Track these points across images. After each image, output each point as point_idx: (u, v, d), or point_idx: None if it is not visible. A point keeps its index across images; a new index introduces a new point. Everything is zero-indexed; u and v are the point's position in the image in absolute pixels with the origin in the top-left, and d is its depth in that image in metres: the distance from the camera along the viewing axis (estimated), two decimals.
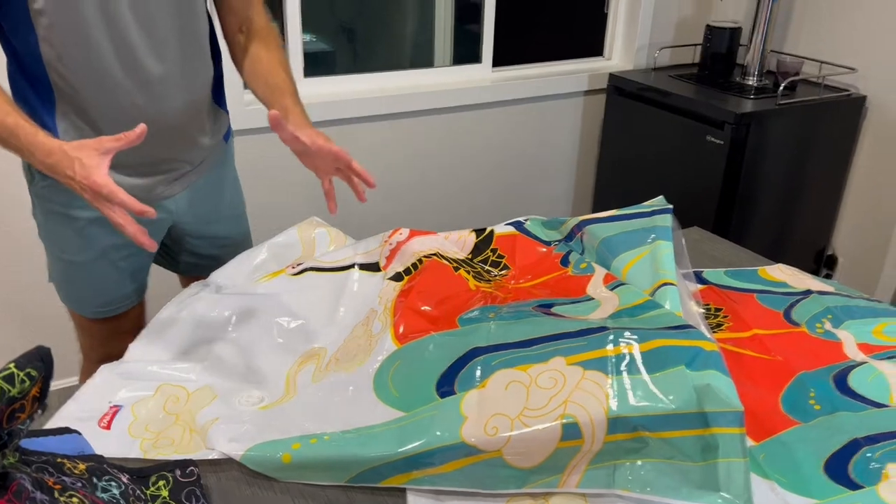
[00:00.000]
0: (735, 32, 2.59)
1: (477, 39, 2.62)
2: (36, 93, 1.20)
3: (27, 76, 1.19)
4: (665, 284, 1.08)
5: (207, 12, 1.29)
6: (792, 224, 2.53)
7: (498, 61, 2.67)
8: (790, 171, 2.41)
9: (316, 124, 1.29)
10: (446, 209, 2.70)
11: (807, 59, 2.54)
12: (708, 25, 2.62)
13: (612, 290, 1.13)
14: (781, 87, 2.35)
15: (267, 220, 2.15)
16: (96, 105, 1.19)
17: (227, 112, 1.42)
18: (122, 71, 1.17)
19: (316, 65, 2.39)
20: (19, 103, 1.22)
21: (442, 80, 2.57)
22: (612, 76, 2.68)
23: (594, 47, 2.88)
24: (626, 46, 2.82)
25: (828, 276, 2.68)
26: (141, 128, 1.01)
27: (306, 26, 2.28)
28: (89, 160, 1.01)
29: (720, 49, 2.61)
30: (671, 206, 1.26)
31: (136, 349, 1.12)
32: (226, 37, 1.37)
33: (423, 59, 2.63)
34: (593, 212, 2.88)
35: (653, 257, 1.14)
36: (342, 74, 2.42)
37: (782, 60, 2.51)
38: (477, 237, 1.35)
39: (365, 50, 2.60)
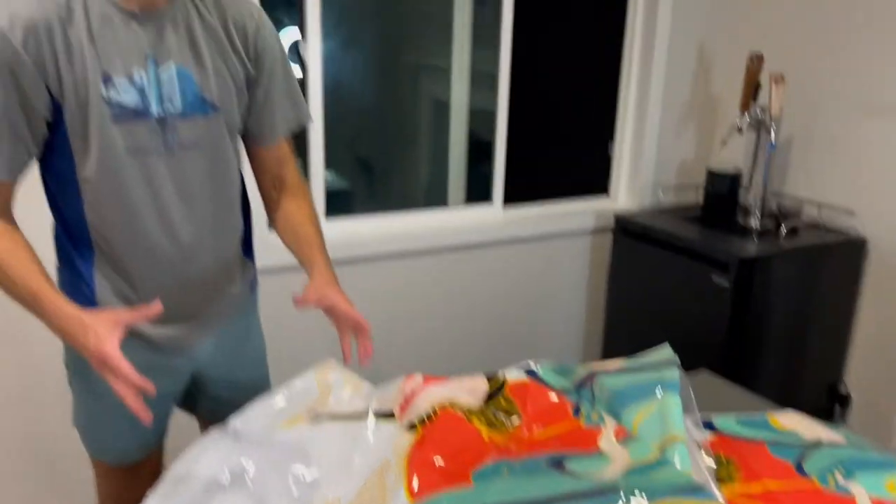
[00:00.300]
0: (735, 176, 2.71)
1: (488, 177, 2.74)
2: (76, 248, 1.28)
3: (70, 234, 1.28)
4: (675, 441, 1.10)
5: (240, 170, 1.39)
6: (802, 363, 2.54)
7: (508, 198, 2.78)
8: (797, 311, 2.46)
9: (335, 262, 1.38)
10: (460, 347, 2.74)
11: (807, 200, 2.64)
12: (709, 170, 2.74)
13: (622, 444, 1.15)
14: (784, 230, 2.43)
15: (286, 356, 2.19)
16: (132, 262, 1.27)
17: (254, 263, 1.49)
18: (158, 234, 1.26)
19: (335, 201, 2.51)
20: (60, 256, 1.31)
21: (455, 219, 2.68)
22: (617, 217, 2.78)
23: (600, 185, 3.01)
24: (630, 186, 2.95)
25: (842, 415, 2.66)
26: (157, 307, 1.09)
27: (327, 164, 2.41)
28: (103, 331, 1.09)
29: (722, 191, 2.71)
30: (677, 359, 1.29)
31: None
32: (260, 191, 1.47)
33: (437, 196, 2.75)
34: (604, 350, 2.92)
35: (662, 412, 1.16)
36: (360, 212, 2.53)
37: (782, 203, 2.60)
38: (490, 384, 1.38)
39: (382, 187, 2.73)
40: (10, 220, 1.24)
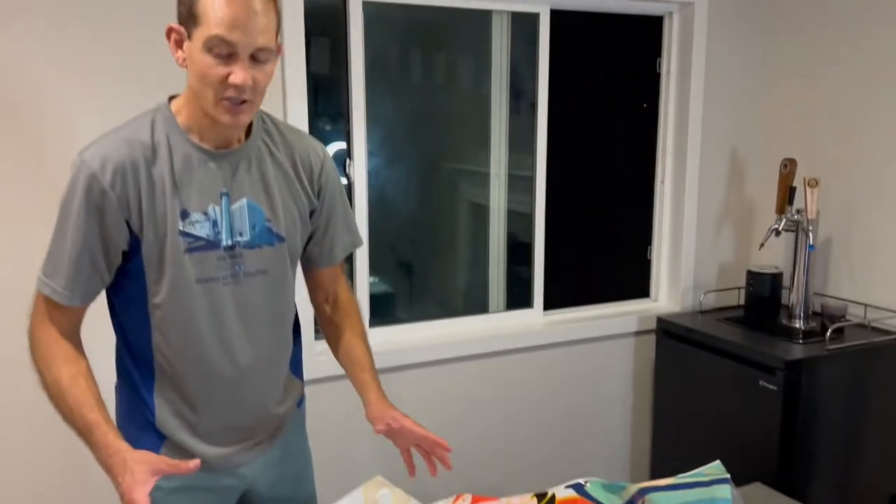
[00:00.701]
0: (776, 277, 2.71)
1: (528, 282, 2.78)
2: (139, 370, 1.35)
3: (133, 355, 1.35)
4: None
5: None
6: (858, 469, 2.46)
7: (548, 304, 2.81)
8: (850, 415, 2.40)
9: (378, 371, 1.45)
10: (504, 455, 2.72)
11: (851, 301, 2.62)
12: (749, 271, 2.75)
13: None
14: (829, 333, 2.40)
15: (334, 468, 2.20)
16: (192, 384, 1.33)
17: (302, 381, 1.54)
18: (219, 357, 1.32)
19: (378, 304, 2.57)
20: (121, 375, 1.37)
21: (497, 325, 2.71)
22: (660, 319, 2.78)
23: (641, 288, 3.02)
24: (671, 289, 2.96)
25: None
26: (195, 462, 1.15)
27: (370, 269, 2.48)
28: (139, 476, 1.15)
29: (763, 293, 2.71)
30: (729, 476, 1.28)
31: None
32: (314, 305, 1.56)
33: (478, 301, 2.80)
34: (652, 456, 2.87)
35: None
36: (401, 314, 2.58)
37: (826, 303, 2.59)
38: (539, 501, 1.38)
39: (424, 291, 2.78)
40: (78, 345, 1.31)
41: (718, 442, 2.53)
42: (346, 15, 2.31)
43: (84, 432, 1.22)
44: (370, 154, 2.45)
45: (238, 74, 1.17)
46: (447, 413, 2.59)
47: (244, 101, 1.21)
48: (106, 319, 1.36)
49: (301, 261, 1.49)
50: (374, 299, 2.54)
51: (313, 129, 2.30)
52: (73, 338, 1.31)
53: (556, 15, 2.62)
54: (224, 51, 1.17)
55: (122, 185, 1.23)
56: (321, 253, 1.48)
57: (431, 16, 2.52)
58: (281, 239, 1.36)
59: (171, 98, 1.31)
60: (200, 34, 1.17)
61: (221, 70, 1.18)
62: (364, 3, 2.32)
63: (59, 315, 1.28)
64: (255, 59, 1.19)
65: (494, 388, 2.66)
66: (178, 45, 1.23)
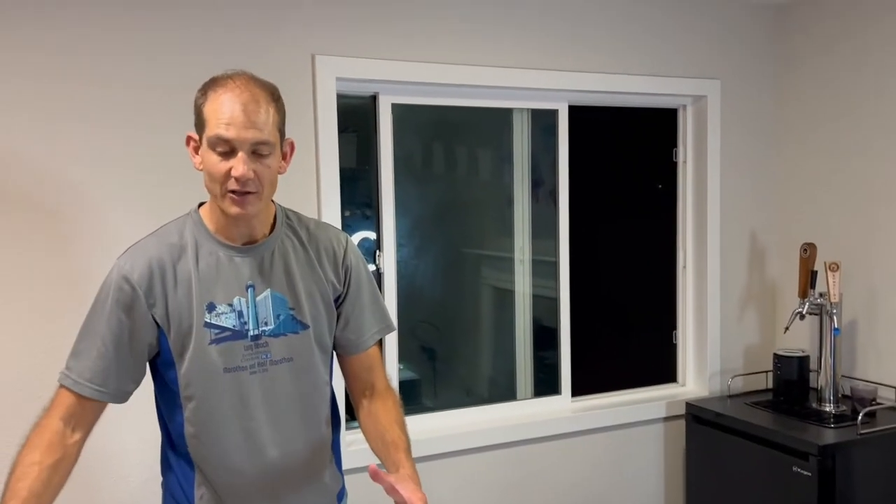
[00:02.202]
0: (803, 360, 2.71)
1: (554, 367, 2.80)
2: (178, 463, 1.39)
3: (175, 450, 1.40)
4: None
5: (331, 385, 1.49)
6: None
7: (575, 390, 2.82)
8: (886, 500, 2.35)
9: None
10: None
11: (880, 384, 2.61)
12: (775, 354, 2.76)
13: None
14: (861, 416, 2.39)
15: None
16: (224, 479, 1.37)
17: (342, 475, 1.54)
18: (247, 450, 1.36)
19: (404, 393, 2.58)
20: (164, 471, 1.42)
21: (524, 412, 2.71)
22: (689, 404, 2.77)
23: (667, 373, 3.02)
24: (698, 373, 2.96)
25: None
26: None
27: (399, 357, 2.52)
28: None
29: (791, 376, 2.71)
30: None
31: None
32: (351, 396, 1.55)
33: (505, 388, 2.81)
34: None
35: None
36: (428, 400, 2.59)
37: (855, 386, 2.58)
38: None
39: (451, 379, 2.80)
40: (69, 440, 1.28)
41: None
42: (375, 114, 2.44)
43: None
44: (399, 244, 2.53)
45: (238, 168, 1.26)
46: (477, 501, 2.56)
47: (249, 193, 1.29)
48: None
49: (336, 351, 1.52)
50: (402, 386, 2.57)
51: (342, 219, 2.39)
52: (70, 432, 1.29)
53: (574, 110, 2.74)
54: (224, 147, 1.26)
55: (149, 282, 1.31)
56: (353, 339, 1.49)
57: (455, 113, 2.64)
58: (305, 326, 1.40)
59: (201, 205, 1.41)
60: (206, 136, 1.28)
61: (223, 165, 1.27)
62: (393, 104, 2.45)
63: (72, 408, 1.29)
64: (255, 154, 1.28)
65: (523, 475, 2.64)
66: (196, 151, 1.33)
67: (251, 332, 1.35)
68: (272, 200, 1.41)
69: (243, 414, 1.35)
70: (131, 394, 1.36)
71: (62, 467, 1.27)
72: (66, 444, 1.28)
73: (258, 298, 1.36)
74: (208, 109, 1.27)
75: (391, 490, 1.27)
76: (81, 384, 1.29)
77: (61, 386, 1.31)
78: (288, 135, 1.38)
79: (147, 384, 1.40)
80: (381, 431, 1.47)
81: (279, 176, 1.35)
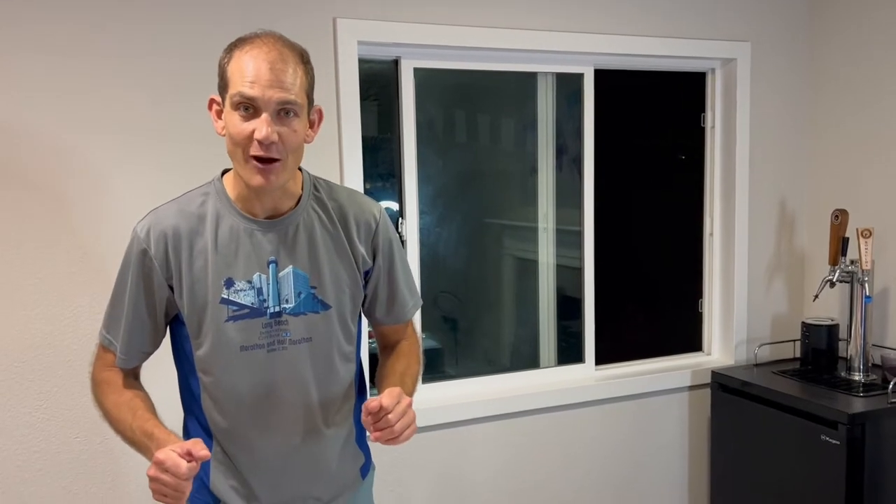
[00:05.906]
0: (833, 329, 2.67)
1: (578, 336, 2.78)
2: (197, 431, 1.39)
3: (193, 415, 1.40)
4: None
5: (358, 361, 1.46)
6: None
7: (599, 359, 2.80)
8: None
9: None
10: None
11: None
12: (804, 323, 2.71)
13: None
14: (892, 386, 2.35)
15: None
16: (239, 454, 1.36)
17: (363, 451, 1.50)
18: (262, 428, 1.35)
19: (428, 360, 2.58)
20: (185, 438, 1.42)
21: (548, 381, 2.70)
22: (714, 373, 2.74)
23: (693, 342, 2.99)
24: (724, 342, 2.93)
25: None
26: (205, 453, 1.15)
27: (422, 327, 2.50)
28: (167, 451, 1.15)
29: (820, 345, 2.67)
30: None
31: None
32: (379, 348, 1.56)
33: (529, 357, 2.80)
34: None
35: None
36: (451, 370, 2.59)
37: (886, 355, 2.54)
38: None
39: (475, 348, 2.80)
40: (130, 376, 1.38)
41: (779, 498, 2.46)
42: (398, 79, 2.40)
43: (143, 444, 1.25)
44: (421, 213, 2.51)
45: (261, 129, 1.19)
46: (497, 470, 2.57)
47: (273, 161, 1.22)
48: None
49: (370, 320, 1.50)
50: (424, 354, 2.56)
51: (365, 188, 2.37)
52: (130, 376, 1.38)
53: (599, 74, 2.68)
54: (248, 107, 1.21)
55: (164, 251, 1.29)
56: (389, 316, 1.48)
57: (478, 78, 2.60)
58: (326, 306, 1.36)
59: (225, 172, 1.36)
60: (229, 95, 1.23)
61: (246, 126, 1.21)
62: (415, 69, 2.41)
63: (114, 360, 1.37)
64: (281, 116, 1.22)
65: (546, 444, 2.63)
66: (219, 115, 1.28)
67: (271, 310, 1.32)
68: (300, 168, 1.36)
69: (259, 391, 1.33)
70: (150, 355, 1.38)
71: (146, 394, 1.37)
72: (132, 381, 1.38)
73: (280, 274, 1.32)
74: (232, 68, 1.22)
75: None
76: (118, 356, 1.35)
77: (101, 344, 1.38)
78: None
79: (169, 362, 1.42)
80: (392, 363, 1.49)
81: (304, 145, 1.29)
